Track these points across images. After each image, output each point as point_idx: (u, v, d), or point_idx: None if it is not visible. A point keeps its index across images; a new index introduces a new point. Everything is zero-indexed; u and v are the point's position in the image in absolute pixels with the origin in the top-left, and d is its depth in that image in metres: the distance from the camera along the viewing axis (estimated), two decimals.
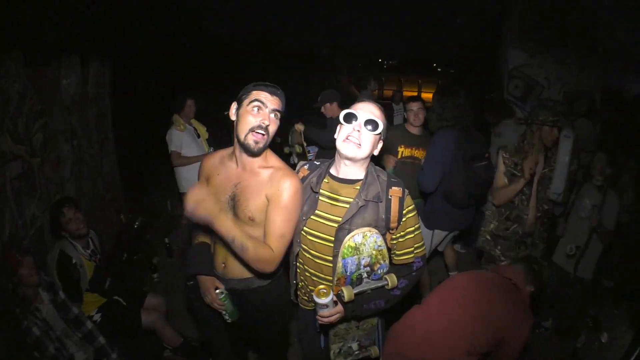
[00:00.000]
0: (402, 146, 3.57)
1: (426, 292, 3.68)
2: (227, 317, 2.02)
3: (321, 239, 1.86)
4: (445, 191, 3.22)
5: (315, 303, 1.73)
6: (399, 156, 3.57)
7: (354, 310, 1.82)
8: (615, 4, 4.96)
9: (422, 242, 1.91)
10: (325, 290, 1.71)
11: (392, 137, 3.46)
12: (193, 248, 2.12)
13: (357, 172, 1.84)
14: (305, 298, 2.08)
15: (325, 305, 1.71)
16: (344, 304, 1.77)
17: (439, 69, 24.13)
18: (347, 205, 1.79)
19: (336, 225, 1.79)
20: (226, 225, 1.73)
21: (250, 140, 1.77)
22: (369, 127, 1.74)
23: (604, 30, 5.08)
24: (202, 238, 2.13)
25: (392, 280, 1.80)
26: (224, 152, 2.01)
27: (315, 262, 1.91)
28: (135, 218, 4.51)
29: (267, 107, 1.78)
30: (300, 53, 12.64)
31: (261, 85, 1.81)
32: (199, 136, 4.45)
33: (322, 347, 2.08)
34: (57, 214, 2.84)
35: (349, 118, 1.77)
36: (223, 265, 2.02)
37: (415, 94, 19.74)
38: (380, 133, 1.78)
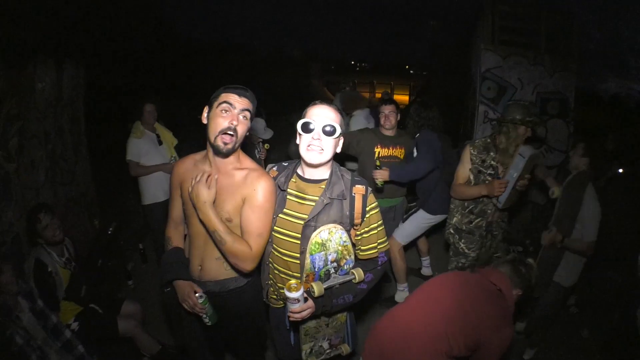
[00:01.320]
0: (379, 146, 3.74)
1: (402, 277, 3.94)
2: (207, 321, 2.04)
3: (289, 237, 1.92)
4: (446, 178, 3.55)
5: (287, 298, 1.77)
6: (376, 156, 3.72)
7: (324, 306, 1.88)
8: (588, 5, 5.21)
9: (385, 238, 1.99)
10: (296, 285, 1.76)
11: (366, 139, 3.71)
12: (168, 254, 2.12)
13: (322, 172, 1.92)
14: (275, 296, 2.14)
15: (296, 300, 1.76)
16: (314, 299, 1.83)
17: (411, 71, 24.64)
18: (314, 204, 1.87)
19: (303, 222, 1.86)
20: (210, 215, 1.79)
21: (220, 142, 1.80)
22: (328, 133, 1.81)
23: (577, 31, 5.23)
24: (176, 243, 2.16)
25: (358, 274, 1.89)
26: (197, 156, 2.04)
27: (283, 259, 1.97)
28: (110, 224, 4.44)
29: (235, 108, 1.81)
30: (273, 57, 12.68)
31: (230, 87, 1.84)
32: (160, 143, 4.19)
33: (292, 344, 2.15)
34: (33, 221, 2.79)
35: (307, 127, 1.82)
36: (199, 267, 2.05)
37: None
38: (339, 135, 1.85)
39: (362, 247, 1.96)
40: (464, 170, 3.12)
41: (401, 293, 3.96)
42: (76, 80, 4.34)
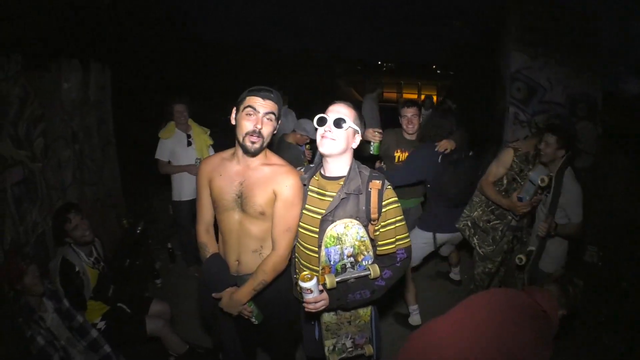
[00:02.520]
0: (398, 151, 3.65)
1: (411, 299, 3.63)
2: (254, 321, 2.11)
3: (309, 231, 2.00)
4: (437, 192, 3.31)
5: (301, 289, 1.82)
6: (396, 161, 3.65)
7: (338, 299, 1.91)
8: (615, 6, 4.97)
9: (405, 234, 1.99)
10: (309, 276, 1.79)
11: (387, 141, 3.57)
12: (210, 263, 2.13)
13: (340, 169, 1.98)
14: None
15: (309, 290, 1.79)
16: (327, 291, 1.87)
17: (438, 71, 24.15)
18: (332, 199, 1.93)
19: (319, 217, 1.93)
20: (246, 297, 2.03)
21: (248, 142, 1.92)
22: (337, 124, 1.90)
23: (605, 32, 5.07)
24: (213, 248, 2.17)
25: (374, 270, 1.90)
26: (224, 154, 2.12)
27: (307, 253, 2.04)
28: (137, 223, 4.45)
29: (259, 112, 1.91)
30: (299, 56, 12.63)
31: (254, 90, 1.94)
32: (190, 144, 4.23)
33: (316, 339, 2.19)
34: (62, 220, 2.76)
35: (321, 121, 1.94)
36: (237, 262, 2.12)
37: (415, 96, 19.88)
38: (348, 128, 1.92)
39: (380, 242, 1.98)
40: (499, 171, 3.18)
41: (415, 316, 3.62)
42: (103, 80, 4.37)
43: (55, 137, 3.39)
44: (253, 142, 1.92)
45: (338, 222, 1.89)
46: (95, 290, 2.85)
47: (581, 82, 5.12)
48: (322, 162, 2.07)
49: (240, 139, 1.94)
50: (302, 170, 2.15)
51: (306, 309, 1.90)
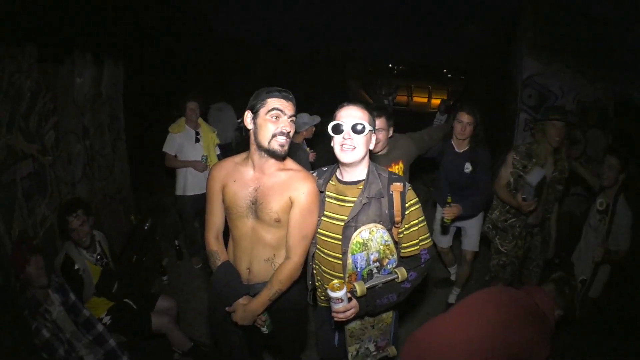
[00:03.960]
0: None
1: (451, 264, 4.16)
2: (265, 330, 2.06)
3: (332, 238, 1.96)
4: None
5: (330, 298, 1.78)
6: None
7: (367, 306, 1.88)
8: (631, 14, 4.86)
9: (427, 235, 1.97)
10: (338, 285, 1.76)
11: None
12: (220, 271, 2.06)
13: (359, 173, 1.94)
14: (323, 297, 2.18)
15: (340, 299, 1.76)
16: (357, 298, 1.84)
17: (449, 75, 24.01)
18: (353, 205, 1.89)
19: (343, 223, 1.89)
20: (260, 307, 1.96)
21: (276, 145, 1.85)
22: (357, 131, 1.84)
23: (617, 40, 4.98)
24: (223, 256, 2.11)
25: (401, 273, 1.88)
26: (236, 159, 2.06)
27: (329, 260, 2.00)
28: (146, 219, 4.46)
29: (285, 114, 1.86)
30: (311, 57, 12.62)
31: (274, 92, 1.88)
32: (197, 141, 4.31)
33: (335, 345, 2.19)
34: (63, 221, 2.76)
35: (337, 129, 1.87)
36: (248, 271, 2.06)
37: (425, 100, 19.76)
38: (369, 132, 1.86)
39: (404, 245, 1.95)
40: (506, 172, 3.32)
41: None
42: (116, 76, 4.39)
43: (66, 131, 3.40)
44: (282, 145, 1.86)
45: (363, 227, 1.85)
46: (98, 287, 2.83)
47: (593, 90, 5.03)
48: (336, 166, 2.03)
49: (265, 143, 1.86)
50: (315, 174, 2.10)
51: (336, 319, 1.86)
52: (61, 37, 3.16)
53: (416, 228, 1.92)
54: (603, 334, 3.46)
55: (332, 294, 1.75)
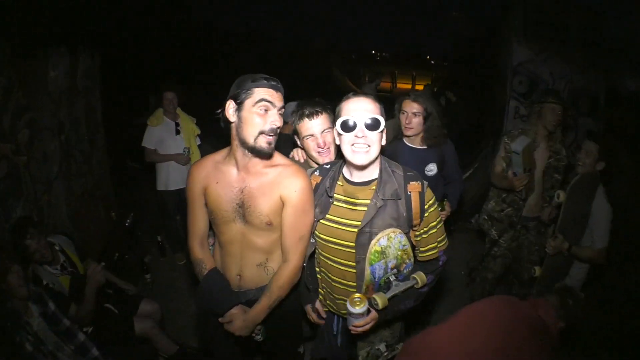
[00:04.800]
0: None
1: None
2: (259, 338, 1.93)
3: (342, 246, 1.77)
4: None
5: (350, 313, 1.65)
6: None
7: (386, 315, 1.77)
8: (619, 2, 4.88)
9: (444, 236, 1.85)
10: (359, 299, 1.63)
11: None
12: (208, 280, 1.88)
13: (370, 172, 1.74)
14: (329, 302, 2.01)
15: (361, 315, 1.64)
16: (378, 311, 1.71)
17: (432, 62, 24.03)
18: (366, 208, 1.70)
19: (356, 230, 1.70)
20: (261, 312, 1.82)
21: (263, 143, 1.66)
22: (371, 127, 1.63)
23: (608, 28, 5.01)
24: (210, 264, 1.92)
25: (421, 278, 1.76)
26: (216, 157, 1.85)
27: (338, 269, 1.84)
28: (127, 215, 4.34)
29: (275, 106, 1.66)
30: (294, 45, 12.41)
31: (262, 79, 1.65)
32: (178, 132, 4.18)
33: (338, 346, 2.08)
34: (22, 248, 2.54)
35: (347, 125, 1.64)
36: (238, 277, 1.90)
37: (409, 86, 19.76)
38: (383, 127, 1.66)
39: (422, 249, 1.82)
40: (499, 159, 3.21)
41: None
42: (92, 68, 4.20)
43: (41, 128, 3.24)
44: (270, 143, 1.67)
45: (380, 234, 1.68)
46: (71, 296, 2.68)
47: (584, 78, 5.03)
48: (342, 163, 1.83)
49: (251, 140, 1.65)
50: (317, 174, 1.89)
51: (353, 332, 1.74)
52: (34, 31, 2.98)
53: (435, 230, 1.79)
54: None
55: (354, 310, 1.62)
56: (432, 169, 2.90)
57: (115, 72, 5.11)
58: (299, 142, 2.26)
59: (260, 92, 1.63)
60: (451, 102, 7.23)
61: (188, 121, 4.29)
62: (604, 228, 2.74)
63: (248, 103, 1.63)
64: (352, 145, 1.64)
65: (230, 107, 1.67)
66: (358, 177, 1.76)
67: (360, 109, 1.64)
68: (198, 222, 1.91)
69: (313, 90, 4.25)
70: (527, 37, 5.04)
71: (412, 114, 2.82)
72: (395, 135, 3.00)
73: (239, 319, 1.82)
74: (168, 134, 4.13)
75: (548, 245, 2.90)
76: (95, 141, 4.33)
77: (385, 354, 2.02)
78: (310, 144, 2.12)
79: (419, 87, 16.90)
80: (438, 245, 1.81)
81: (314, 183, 1.86)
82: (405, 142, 2.97)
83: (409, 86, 19.49)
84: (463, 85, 8.84)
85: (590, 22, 5.01)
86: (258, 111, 1.63)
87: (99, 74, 4.35)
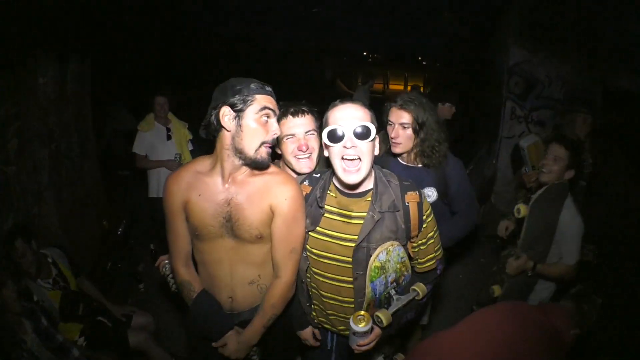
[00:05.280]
0: None
1: None
2: (256, 359, 1.84)
3: (337, 261, 1.67)
4: None
5: (354, 332, 1.55)
6: None
7: (390, 331, 1.69)
8: (617, 2, 4.86)
9: (440, 245, 1.78)
10: (363, 317, 1.55)
11: None
12: (198, 305, 1.75)
13: (365, 183, 1.64)
14: (324, 320, 1.88)
15: (366, 333, 1.56)
16: (382, 329, 1.63)
17: (424, 62, 24.10)
18: (362, 221, 1.60)
19: (353, 244, 1.60)
20: (256, 333, 1.72)
21: (264, 154, 1.56)
22: (361, 135, 1.50)
23: (604, 28, 4.99)
24: (198, 285, 1.78)
25: (421, 289, 1.70)
26: (197, 166, 1.68)
27: (332, 285, 1.72)
28: (119, 223, 4.26)
29: (276, 114, 1.57)
30: (286, 48, 12.34)
31: (262, 87, 1.55)
32: (169, 138, 4.11)
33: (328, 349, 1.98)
34: (13, 259, 2.50)
35: (334, 136, 1.52)
36: (230, 299, 1.77)
37: (402, 87, 19.79)
38: (374, 135, 1.53)
39: (420, 260, 1.75)
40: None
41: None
42: (82, 73, 4.13)
43: (31, 136, 3.18)
44: (269, 154, 1.58)
45: (379, 249, 1.59)
46: (62, 312, 2.62)
47: (581, 79, 5.00)
48: (332, 173, 1.68)
49: (251, 152, 1.54)
50: (306, 183, 1.77)
51: (357, 352, 1.63)
52: (22, 38, 2.91)
53: (433, 240, 1.72)
54: None
55: (358, 329, 1.53)
56: (429, 194, 2.32)
57: (107, 75, 5.03)
58: (278, 145, 2.04)
59: (262, 100, 1.53)
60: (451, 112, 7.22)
61: (180, 126, 4.22)
62: (575, 243, 2.41)
63: (250, 111, 1.51)
64: (343, 159, 1.53)
65: (226, 114, 1.53)
66: (351, 188, 1.64)
67: (348, 116, 1.53)
68: (180, 241, 1.74)
69: (305, 93, 4.21)
70: (522, 37, 5.03)
71: (400, 125, 2.25)
72: (387, 149, 2.47)
73: (233, 342, 1.72)
74: (159, 139, 4.05)
75: (509, 266, 2.51)
76: (85, 148, 4.25)
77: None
78: (290, 146, 1.92)
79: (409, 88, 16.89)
80: (436, 255, 1.76)
81: (304, 193, 1.75)
82: (398, 158, 2.45)
83: (402, 87, 19.52)
84: (456, 86, 8.86)
85: (586, 22, 4.98)
86: (260, 120, 1.52)
87: (89, 79, 4.28)
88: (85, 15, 3.86)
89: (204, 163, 1.68)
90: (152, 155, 4.03)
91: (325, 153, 1.63)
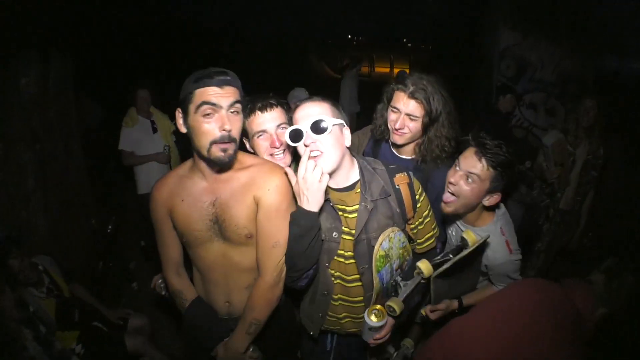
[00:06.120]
0: None
1: None
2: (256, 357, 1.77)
3: (344, 257, 1.64)
4: None
5: (370, 327, 1.55)
6: None
7: (401, 318, 1.68)
8: None
9: (435, 222, 1.78)
10: (378, 311, 1.54)
11: None
12: (192, 313, 1.71)
13: (348, 175, 1.61)
14: (336, 327, 1.83)
15: (382, 327, 1.56)
16: (395, 317, 1.61)
17: (409, 44, 23.97)
18: (357, 214, 1.59)
19: (352, 238, 1.59)
20: (239, 340, 1.64)
21: (218, 153, 1.42)
22: (318, 130, 1.46)
23: (596, 10, 4.96)
24: (191, 294, 1.75)
25: (425, 267, 1.62)
26: (180, 170, 1.65)
27: (341, 285, 1.69)
28: (108, 221, 4.19)
29: (221, 107, 1.40)
30: (269, 34, 12.08)
31: (204, 78, 1.40)
32: (155, 131, 4.06)
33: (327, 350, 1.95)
34: (6, 268, 2.43)
35: (296, 135, 1.49)
36: (227, 304, 1.72)
37: (388, 69, 19.66)
38: (333, 127, 1.49)
39: (420, 240, 1.75)
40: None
41: None
42: (64, 69, 3.98)
43: (14, 139, 3.08)
44: (225, 150, 1.42)
45: (381, 237, 1.57)
46: (58, 321, 2.58)
47: (572, 61, 4.99)
48: None
49: (204, 151, 1.43)
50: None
51: (373, 344, 1.64)
52: (2, 38, 2.79)
53: (429, 218, 1.72)
54: None
55: (375, 324, 1.52)
56: None
57: (90, 70, 4.89)
58: (248, 145, 1.92)
59: (201, 94, 1.39)
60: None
61: (163, 118, 4.17)
62: (512, 273, 1.92)
63: (190, 109, 1.41)
64: (309, 158, 1.47)
65: (179, 117, 1.48)
66: (340, 182, 1.61)
67: (305, 115, 1.51)
68: (170, 250, 1.70)
69: (290, 78, 4.13)
70: (514, 20, 4.98)
71: (408, 116, 1.95)
72: (380, 131, 2.18)
73: (221, 350, 1.69)
74: (145, 133, 4.00)
75: (425, 317, 1.95)
76: (71, 146, 4.14)
77: (395, 354, 1.92)
78: (262, 143, 1.83)
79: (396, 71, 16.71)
80: (434, 234, 1.76)
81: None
82: (391, 147, 2.20)
83: (388, 69, 19.42)
84: (444, 70, 8.78)
85: (578, 4, 4.96)
86: (202, 118, 1.40)
87: (72, 74, 4.14)
88: (65, 10, 3.72)
89: (186, 165, 1.64)
90: (139, 151, 3.97)
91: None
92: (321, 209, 1.49)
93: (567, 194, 3.14)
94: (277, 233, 1.54)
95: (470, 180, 1.76)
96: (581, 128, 3.03)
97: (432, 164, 2.04)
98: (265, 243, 1.55)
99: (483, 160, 1.72)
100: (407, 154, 2.13)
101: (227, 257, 1.62)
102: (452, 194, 1.82)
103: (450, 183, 1.82)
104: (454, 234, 2.05)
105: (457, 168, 1.81)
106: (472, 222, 1.92)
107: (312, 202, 1.42)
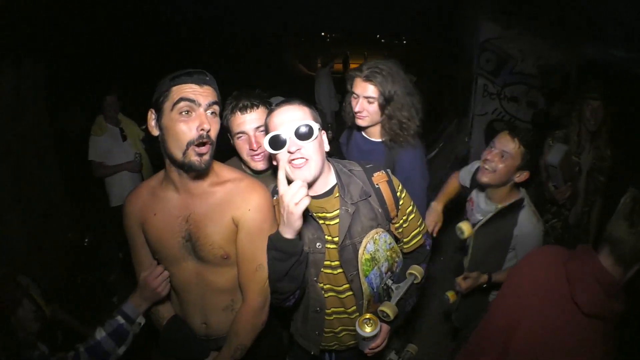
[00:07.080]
0: None
1: None
2: None
3: (331, 268, 1.58)
4: None
5: (363, 338, 1.49)
6: None
7: (397, 323, 1.64)
8: None
9: (421, 218, 1.75)
10: (370, 319, 1.48)
11: None
12: (170, 332, 1.64)
13: (325, 180, 1.55)
14: (334, 343, 1.77)
15: (376, 335, 1.49)
16: (390, 323, 1.57)
17: (382, 40, 24.15)
18: (338, 220, 1.53)
19: (336, 246, 1.53)
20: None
21: (194, 156, 1.30)
22: (304, 136, 1.39)
23: (578, 1, 4.87)
24: (167, 312, 1.67)
25: (418, 271, 1.62)
26: (151, 182, 1.54)
27: (336, 298, 1.63)
28: (84, 234, 4.08)
29: (200, 105, 1.30)
30: (242, 33, 11.91)
31: (182, 75, 1.32)
32: (125, 139, 3.91)
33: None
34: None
35: (276, 142, 1.40)
36: (204, 325, 1.62)
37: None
38: (318, 133, 1.43)
39: (406, 239, 1.70)
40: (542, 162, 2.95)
41: None
42: (36, 77, 3.84)
43: None
44: (202, 154, 1.31)
45: (365, 240, 1.50)
46: (43, 344, 2.50)
47: (555, 53, 4.85)
48: None
49: (179, 155, 1.31)
50: (276, 199, 1.57)
51: (370, 354, 1.59)
52: None
53: (413, 215, 1.67)
54: None
55: (368, 334, 1.45)
56: None
57: (61, 75, 4.71)
58: (232, 142, 1.93)
59: (178, 90, 1.30)
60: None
61: (131, 125, 4.02)
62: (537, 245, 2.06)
63: (167, 107, 1.30)
64: (290, 162, 1.41)
65: (151, 118, 1.37)
66: (317, 189, 1.54)
67: (287, 119, 1.42)
68: (142, 267, 1.60)
69: (264, 77, 4.06)
70: (494, 12, 4.87)
71: (365, 99, 2.08)
72: (351, 119, 2.29)
73: None
74: (114, 141, 3.84)
75: (458, 285, 2.11)
76: (45, 158, 4.00)
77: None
78: (242, 145, 1.83)
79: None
80: (420, 230, 1.72)
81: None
82: (362, 132, 2.32)
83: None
84: (421, 64, 8.72)
85: None
86: (179, 116, 1.29)
87: (43, 83, 3.99)
88: (37, 19, 3.58)
89: (158, 176, 1.53)
90: (109, 161, 3.81)
91: (274, 162, 1.50)
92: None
93: (576, 208, 2.92)
94: (260, 255, 1.46)
95: (504, 157, 2.00)
96: (585, 133, 2.81)
97: (397, 146, 2.13)
98: (248, 266, 1.47)
99: (516, 140, 1.98)
100: (375, 137, 2.24)
101: (202, 276, 1.53)
102: (488, 169, 2.05)
103: (487, 160, 2.05)
104: (480, 201, 2.26)
105: (493, 148, 2.06)
106: (500, 199, 2.14)
107: (288, 225, 1.34)
